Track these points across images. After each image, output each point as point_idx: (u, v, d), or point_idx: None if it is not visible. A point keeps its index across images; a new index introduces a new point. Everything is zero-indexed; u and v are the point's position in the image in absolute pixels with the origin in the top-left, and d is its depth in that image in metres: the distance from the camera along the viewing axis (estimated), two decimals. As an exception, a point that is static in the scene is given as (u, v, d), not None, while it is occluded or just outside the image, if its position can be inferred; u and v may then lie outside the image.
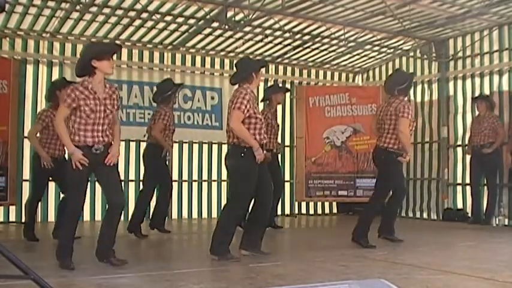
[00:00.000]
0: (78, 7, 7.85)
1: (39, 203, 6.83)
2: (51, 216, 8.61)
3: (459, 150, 9.63)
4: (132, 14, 8.16)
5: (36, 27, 8.48)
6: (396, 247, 6.05)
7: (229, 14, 8.27)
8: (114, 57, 4.91)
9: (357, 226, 6.03)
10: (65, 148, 5.96)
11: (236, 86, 5.27)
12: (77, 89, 4.45)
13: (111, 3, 7.83)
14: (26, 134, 6.50)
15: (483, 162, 8.51)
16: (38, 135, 6.36)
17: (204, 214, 9.97)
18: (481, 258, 5.22)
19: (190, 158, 9.97)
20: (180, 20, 8.58)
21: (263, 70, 5.51)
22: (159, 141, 6.89)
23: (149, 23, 8.67)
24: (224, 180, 10.21)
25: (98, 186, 5.38)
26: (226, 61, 10.35)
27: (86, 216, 8.80)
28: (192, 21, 8.68)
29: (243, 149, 5.05)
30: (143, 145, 9.52)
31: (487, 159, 8.45)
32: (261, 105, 7.40)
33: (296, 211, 10.62)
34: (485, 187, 8.74)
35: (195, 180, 9.98)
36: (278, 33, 9.26)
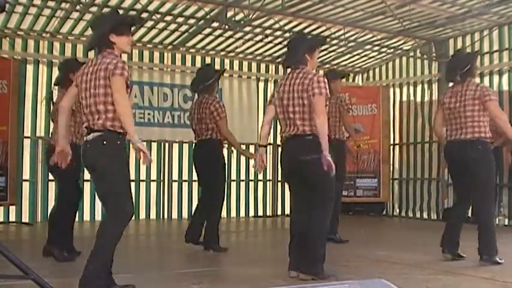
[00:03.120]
0: (78, 7, 7.86)
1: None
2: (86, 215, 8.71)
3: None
4: (132, 14, 8.15)
5: (36, 27, 8.48)
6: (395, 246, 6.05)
7: (229, 14, 8.28)
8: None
9: (481, 241, 5.08)
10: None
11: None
12: (125, 63, 3.64)
13: (111, 3, 7.83)
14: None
15: None
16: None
17: (204, 214, 9.95)
18: (481, 258, 5.21)
19: (191, 158, 9.93)
20: (180, 20, 8.59)
21: (317, 51, 4.57)
22: (231, 140, 5.96)
23: (149, 23, 8.68)
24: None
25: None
26: (226, 61, 10.35)
27: (86, 216, 8.80)
28: (192, 21, 8.68)
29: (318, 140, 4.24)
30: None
31: None
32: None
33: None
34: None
35: (195, 181, 9.91)
36: (278, 33, 9.26)
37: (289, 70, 4.50)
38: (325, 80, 4.27)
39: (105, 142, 3.59)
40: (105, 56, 3.69)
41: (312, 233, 4.26)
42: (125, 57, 9.77)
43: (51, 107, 5.34)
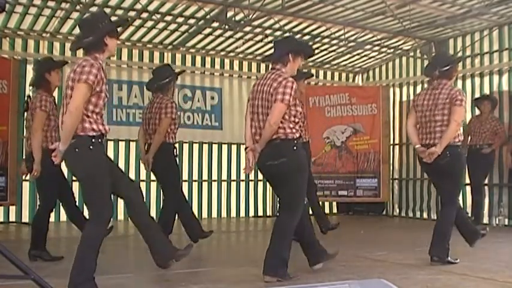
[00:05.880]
0: (78, 7, 7.86)
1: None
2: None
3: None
4: (132, 14, 8.16)
5: (36, 27, 8.48)
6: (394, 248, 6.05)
7: (229, 14, 8.28)
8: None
9: (435, 242, 5.02)
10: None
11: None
12: (102, 69, 3.67)
13: (111, 3, 7.84)
14: (32, 130, 5.04)
15: (478, 161, 8.51)
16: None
17: (204, 214, 9.96)
18: (481, 258, 5.22)
19: (190, 158, 9.97)
20: (180, 20, 8.59)
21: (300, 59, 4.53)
22: (156, 139, 5.71)
23: (149, 23, 8.68)
24: (224, 180, 10.22)
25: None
26: (226, 61, 10.36)
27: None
28: (192, 21, 8.68)
29: (295, 142, 4.28)
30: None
31: (482, 158, 8.47)
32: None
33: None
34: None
35: (195, 180, 9.98)
36: (278, 33, 9.25)
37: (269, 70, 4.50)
38: (293, 86, 4.22)
39: (76, 149, 3.60)
40: (82, 59, 3.72)
41: (274, 234, 4.27)
42: (125, 57, 9.85)
43: (27, 110, 5.24)
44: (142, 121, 6.04)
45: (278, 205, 4.76)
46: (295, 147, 4.26)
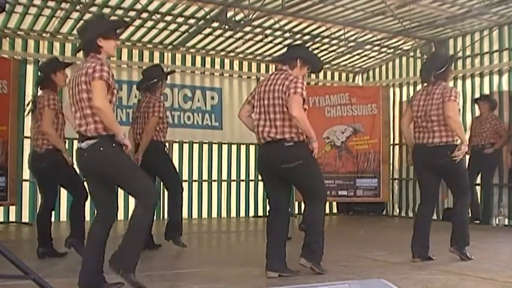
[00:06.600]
0: (78, 7, 7.87)
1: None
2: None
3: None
4: (132, 14, 8.16)
5: (36, 27, 8.49)
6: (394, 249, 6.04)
7: (229, 14, 8.29)
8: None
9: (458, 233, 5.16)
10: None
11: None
12: (108, 66, 3.73)
13: (111, 3, 7.84)
14: (43, 129, 5.10)
15: (481, 162, 8.51)
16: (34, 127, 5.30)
17: (204, 214, 9.97)
18: (481, 258, 5.22)
19: (191, 158, 9.97)
20: (180, 20, 8.59)
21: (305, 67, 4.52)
22: (144, 138, 5.74)
23: (149, 23, 8.68)
24: (224, 180, 10.22)
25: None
26: (226, 61, 10.36)
27: (87, 216, 8.78)
28: (192, 21, 8.68)
29: (307, 143, 4.34)
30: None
31: (485, 159, 8.46)
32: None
33: (296, 211, 10.62)
34: (479, 186, 8.76)
35: (195, 180, 9.98)
36: (278, 33, 9.26)
37: (274, 71, 4.53)
38: (304, 83, 4.28)
39: (101, 149, 3.66)
40: (88, 60, 3.76)
41: (310, 230, 4.44)
42: (125, 57, 9.84)
43: (34, 109, 5.30)
44: (132, 121, 6.08)
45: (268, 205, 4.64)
46: (308, 149, 4.33)
